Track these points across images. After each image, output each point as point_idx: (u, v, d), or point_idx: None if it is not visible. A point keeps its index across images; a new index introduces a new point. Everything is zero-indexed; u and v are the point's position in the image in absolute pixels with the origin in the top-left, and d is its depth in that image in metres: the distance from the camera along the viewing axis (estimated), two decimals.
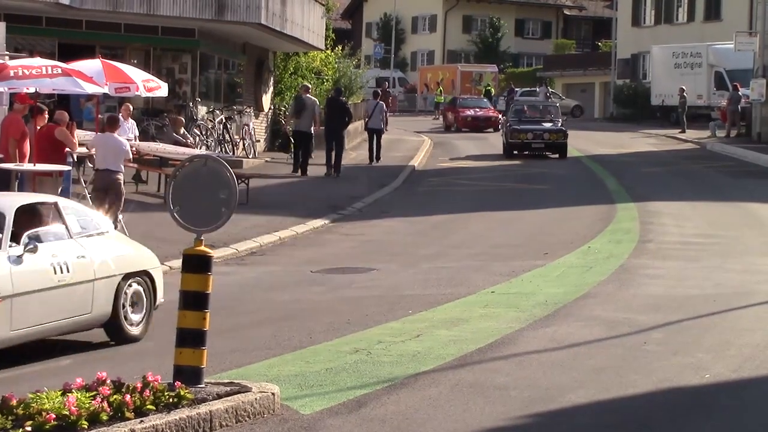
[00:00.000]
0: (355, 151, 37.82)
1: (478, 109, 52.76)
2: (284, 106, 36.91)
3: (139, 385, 7.82)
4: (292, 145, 31.20)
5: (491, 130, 48.89)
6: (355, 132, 40.85)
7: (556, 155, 35.88)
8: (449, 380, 9.35)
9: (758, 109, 39.66)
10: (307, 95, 29.96)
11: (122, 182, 17.79)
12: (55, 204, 11.41)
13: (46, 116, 18.25)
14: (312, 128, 29.34)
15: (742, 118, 42.38)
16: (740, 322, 11.79)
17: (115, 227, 17.68)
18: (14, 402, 7.43)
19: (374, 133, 34.57)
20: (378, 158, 33.70)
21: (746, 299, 13.03)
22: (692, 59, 53.10)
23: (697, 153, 38.18)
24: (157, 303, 11.91)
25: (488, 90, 65.16)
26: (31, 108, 18.35)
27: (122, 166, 17.67)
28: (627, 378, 9.37)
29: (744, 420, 8.43)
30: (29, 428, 7.17)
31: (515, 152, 36.13)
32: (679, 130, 46.10)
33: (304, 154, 29.48)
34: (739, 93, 42.16)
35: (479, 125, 50.87)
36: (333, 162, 29.41)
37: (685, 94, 47.11)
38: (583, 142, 41.79)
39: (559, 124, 36.62)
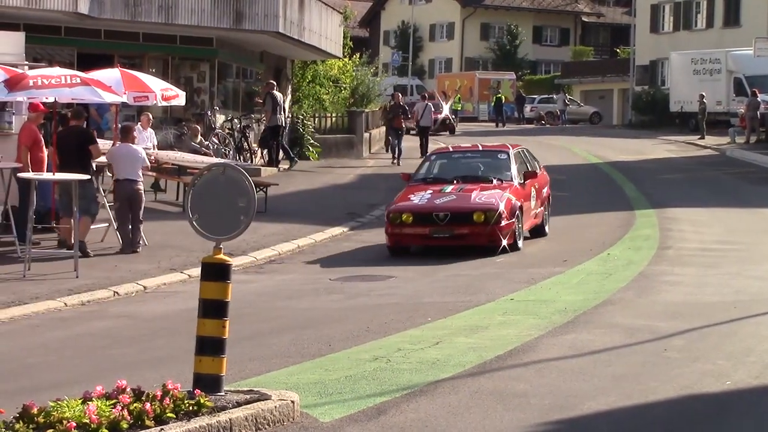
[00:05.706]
0: (373, 158, 37.84)
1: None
2: (302, 114, 36.98)
3: (158, 393, 7.83)
4: (273, 140, 32.08)
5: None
6: (373, 140, 40.90)
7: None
8: (469, 387, 9.33)
9: None
10: (275, 92, 31.74)
11: (143, 190, 18.39)
12: None
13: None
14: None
15: (761, 124, 42.29)
16: (760, 329, 11.73)
17: (139, 235, 17.89)
18: (35, 410, 7.45)
19: (424, 131, 36.63)
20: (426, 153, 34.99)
21: (766, 306, 12.96)
22: (711, 65, 52.98)
23: (716, 159, 38.07)
24: None
25: (498, 98, 64.09)
26: (49, 115, 18.50)
27: (141, 174, 18.03)
28: (647, 385, 9.33)
29: (766, 427, 8.38)
30: None
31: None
32: (699, 137, 46.03)
33: (281, 145, 31.89)
34: (759, 99, 42.08)
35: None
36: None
37: (704, 100, 47.02)
38: (601, 149, 41.75)
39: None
